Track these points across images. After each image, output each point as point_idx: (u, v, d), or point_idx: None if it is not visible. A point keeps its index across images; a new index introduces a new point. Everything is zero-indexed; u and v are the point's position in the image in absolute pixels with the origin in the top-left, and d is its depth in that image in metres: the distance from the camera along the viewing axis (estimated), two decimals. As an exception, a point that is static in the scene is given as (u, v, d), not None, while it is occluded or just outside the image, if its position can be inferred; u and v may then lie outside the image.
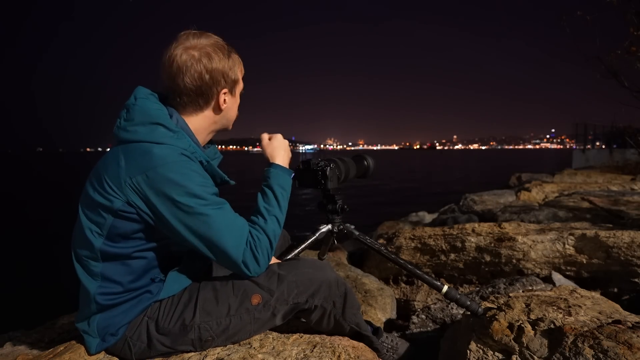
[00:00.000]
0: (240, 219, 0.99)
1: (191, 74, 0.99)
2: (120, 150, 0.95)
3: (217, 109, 1.08)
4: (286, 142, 1.21)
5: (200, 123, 1.07)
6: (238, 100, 1.14)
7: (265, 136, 1.21)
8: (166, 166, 0.91)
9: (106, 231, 0.94)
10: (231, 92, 1.09)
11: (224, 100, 1.07)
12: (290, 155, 1.21)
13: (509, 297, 1.36)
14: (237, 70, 1.08)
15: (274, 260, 1.29)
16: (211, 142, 1.18)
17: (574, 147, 17.52)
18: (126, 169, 0.91)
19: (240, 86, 1.12)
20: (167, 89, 1.04)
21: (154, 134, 0.95)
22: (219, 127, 1.13)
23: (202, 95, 1.03)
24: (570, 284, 1.97)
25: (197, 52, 0.99)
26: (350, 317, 1.16)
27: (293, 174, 1.17)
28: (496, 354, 1.15)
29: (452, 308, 1.80)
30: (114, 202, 0.92)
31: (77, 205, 0.99)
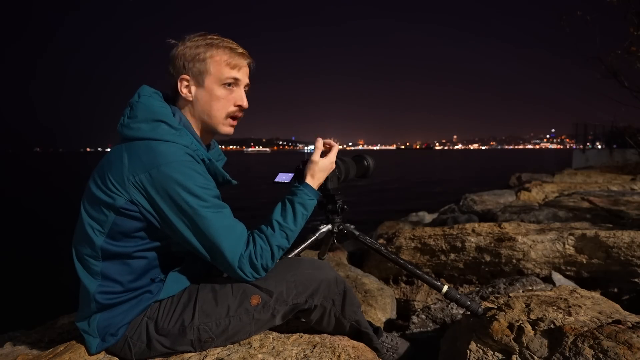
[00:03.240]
0: (240, 225, 0.99)
1: (170, 62, 1.04)
2: (123, 147, 0.96)
3: (184, 100, 1.06)
4: (333, 165, 1.18)
5: (189, 119, 1.07)
6: (217, 94, 1.04)
7: (320, 145, 1.17)
8: (169, 165, 0.91)
9: (108, 229, 0.94)
10: (197, 81, 1.03)
11: (188, 89, 1.04)
12: (327, 174, 1.18)
13: (509, 297, 1.36)
14: (210, 61, 1.02)
15: None
16: (215, 143, 1.19)
17: (574, 147, 17.52)
18: (129, 167, 0.92)
19: (214, 79, 1.03)
20: None
21: (156, 131, 0.96)
22: (204, 125, 1.08)
23: (170, 83, 1.06)
24: (570, 284, 1.97)
25: (181, 41, 1.03)
26: (350, 314, 1.16)
27: (319, 195, 1.14)
28: (496, 354, 1.15)
29: (452, 308, 1.80)
30: (116, 199, 0.92)
31: (78, 204, 1.00)
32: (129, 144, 0.96)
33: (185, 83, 1.04)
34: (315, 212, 1.46)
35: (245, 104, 1.08)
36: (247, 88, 1.12)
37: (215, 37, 1.05)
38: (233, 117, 1.09)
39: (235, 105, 1.07)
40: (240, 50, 1.06)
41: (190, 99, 1.05)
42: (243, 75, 1.08)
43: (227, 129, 1.09)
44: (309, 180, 1.13)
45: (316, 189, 1.14)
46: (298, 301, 1.07)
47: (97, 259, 0.97)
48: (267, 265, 1.00)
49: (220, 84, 1.04)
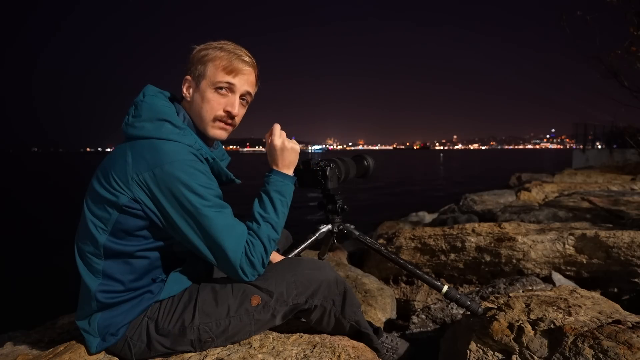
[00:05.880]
0: (241, 225, 1.00)
1: None
2: (127, 146, 0.96)
3: (185, 101, 1.08)
4: (293, 145, 1.15)
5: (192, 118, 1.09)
6: (208, 97, 1.04)
7: (268, 136, 1.15)
8: (173, 164, 0.91)
9: (111, 227, 0.95)
10: (196, 83, 1.05)
11: (187, 87, 1.07)
12: (297, 156, 1.16)
13: (509, 297, 1.36)
14: (210, 64, 1.03)
15: (278, 257, 1.29)
16: (219, 143, 1.19)
17: (574, 147, 17.52)
18: (133, 166, 0.92)
19: (208, 82, 1.03)
20: None
21: (160, 130, 0.96)
22: (197, 127, 1.08)
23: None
24: (570, 284, 1.98)
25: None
26: (350, 314, 1.16)
27: (295, 180, 1.14)
28: (496, 354, 1.16)
29: (452, 308, 1.80)
30: (119, 197, 0.92)
31: (79, 205, 1.00)
32: (133, 143, 0.96)
33: (187, 84, 1.07)
34: (316, 212, 1.45)
35: (234, 110, 1.06)
36: (248, 97, 1.11)
37: (227, 44, 1.05)
38: (223, 122, 1.07)
39: (224, 111, 1.06)
40: (244, 57, 1.05)
41: (189, 99, 1.07)
42: (240, 82, 1.06)
43: (215, 131, 1.07)
44: (270, 164, 1.13)
45: (286, 171, 1.12)
46: (298, 301, 1.07)
47: (100, 257, 0.97)
48: (262, 260, 1.00)
49: (213, 88, 1.04)
